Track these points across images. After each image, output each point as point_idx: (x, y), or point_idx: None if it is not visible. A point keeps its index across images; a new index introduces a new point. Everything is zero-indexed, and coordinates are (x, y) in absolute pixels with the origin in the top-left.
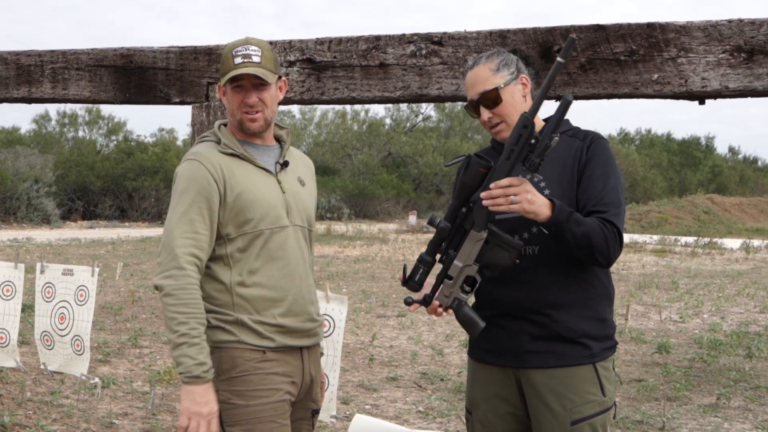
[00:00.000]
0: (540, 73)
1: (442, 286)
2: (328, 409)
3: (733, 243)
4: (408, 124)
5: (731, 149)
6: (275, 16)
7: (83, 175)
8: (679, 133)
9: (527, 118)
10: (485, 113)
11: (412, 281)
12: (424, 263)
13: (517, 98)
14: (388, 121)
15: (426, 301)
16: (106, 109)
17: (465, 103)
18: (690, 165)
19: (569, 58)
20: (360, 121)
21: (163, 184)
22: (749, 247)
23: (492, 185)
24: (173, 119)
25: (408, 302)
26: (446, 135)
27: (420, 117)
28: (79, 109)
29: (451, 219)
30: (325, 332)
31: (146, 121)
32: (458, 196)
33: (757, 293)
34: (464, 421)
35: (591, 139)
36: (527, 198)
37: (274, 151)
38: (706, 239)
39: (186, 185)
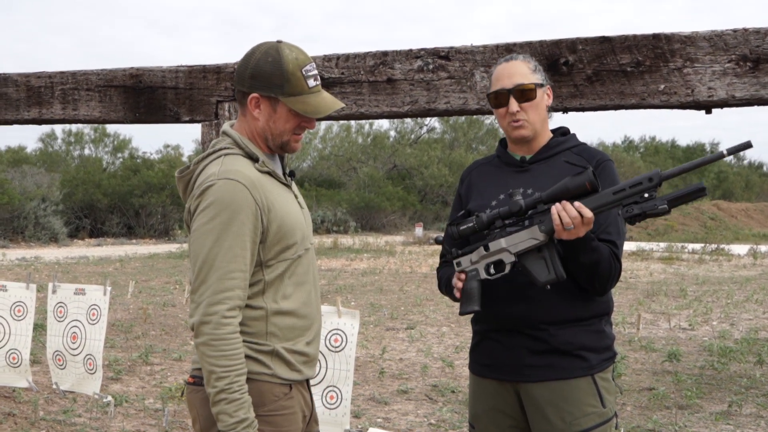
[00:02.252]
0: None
1: (475, 250)
2: (342, 423)
3: (740, 249)
4: (412, 136)
5: (736, 155)
6: (275, 31)
7: (90, 193)
8: (684, 140)
9: (659, 175)
10: (515, 105)
11: (457, 228)
12: (480, 224)
13: (542, 104)
14: (392, 133)
15: (454, 255)
16: (112, 127)
17: (491, 92)
18: (695, 172)
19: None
20: (364, 134)
21: (170, 200)
22: (757, 252)
23: (576, 203)
24: (178, 135)
25: (438, 240)
26: (451, 146)
27: (424, 129)
28: (84, 127)
29: (531, 205)
30: (337, 347)
31: (152, 137)
32: (551, 193)
33: (765, 299)
34: None
35: (597, 161)
36: (572, 237)
37: (278, 160)
38: (713, 246)
39: (231, 214)
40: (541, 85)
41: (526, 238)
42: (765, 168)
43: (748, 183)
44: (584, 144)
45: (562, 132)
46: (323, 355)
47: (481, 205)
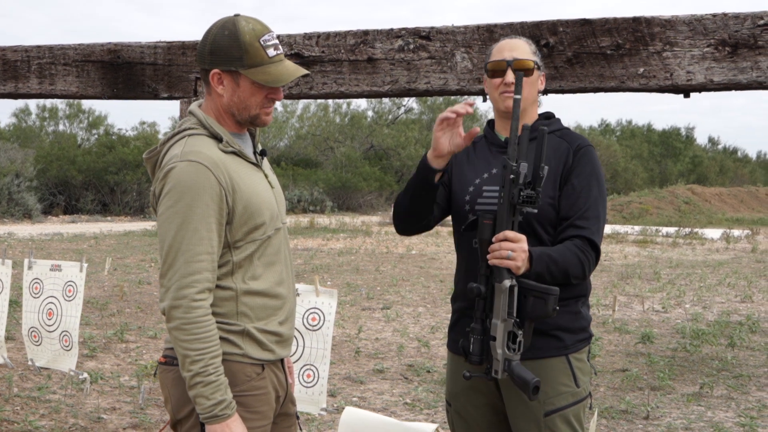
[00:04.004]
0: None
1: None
2: (318, 402)
3: (713, 233)
4: (390, 117)
5: (711, 140)
6: (255, 9)
7: (64, 170)
8: (660, 124)
9: (506, 159)
10: (510, 76)
11: (472, 355)
12: (475, 332)
13: (535, 86)
14: (370, 113)
15: (485, 373)
16: (87, 103)
17: (489, 61)
18: (670, 156)
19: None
20: (342, 114)
21: (145, 178)
22: (730, 236)
23: (494, 238)
24: (154, 112)
25: (467, 377)
26: (428, 127)
27: (402, 109)
28: (59, 102)
29: (484, 280)
30: (315, 326)
31: (127, 114)
32: (481, 255)
33: (738, 283)
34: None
35: (578, 145)
36: (523, 258)
37: (248, 139)
38: (687, 229)
39: (193, 196)
40: (539, 67)
41: (501, 298)
42: (739, 153)
43: (722, 168)
44: (567, 128)
45: (546, 116)
46: (300, 333)
47: (466, 181)
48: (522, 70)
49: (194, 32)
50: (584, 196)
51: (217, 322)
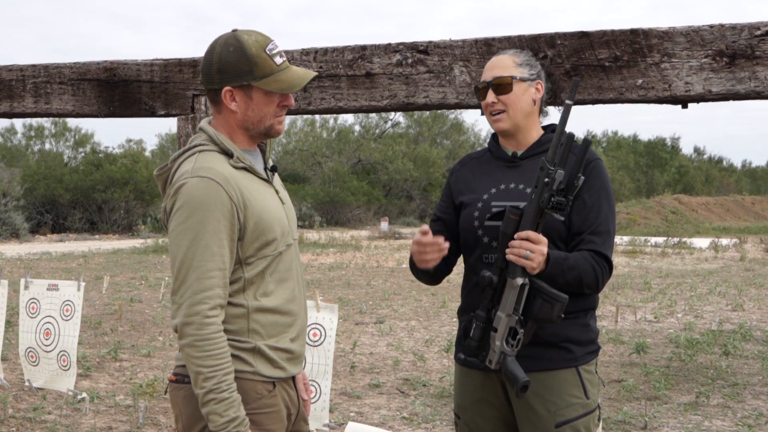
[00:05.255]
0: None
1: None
2: (321, 418)
3: (701, 242)
4: (377, 131)
5: (696, 149)
6: (240, 26)
7: (51, 188)
8: (645, 135)
9: (545, 162)
10: (491, 96)
11: (471, 340)
12: (479, 319)
13: (526, 98)
14: (357, 128)
15: (478, 359)
16: (73, 122)
17: (477, 84)
18: (656, 166)
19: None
20: (329, 129)
21: (133, 195)
22: (718, 245)
23: (516, 235)
24: (141, 130)
25: (460, 360)
26: (415, 141)
27: (389, 123)
28: (45, 121)
29: (498, 271)
30: (316, 341)
31: (114, 132)
32: (500, 247)
33: (728, 291)
34: (453, 425)
35: (587, 159)
36: (539, 261)
37: (258, 155)
38: (676, 239)
39: (205, 212)
40: (525, 79)
41: (510, 292)
42: (725, 163)
43: (708, 177)
44: (575, 142)
45: (553, 129)
46: None
47: (474, 198)
48: (499, 86)
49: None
50: (595, 212)
51: (228, 340)
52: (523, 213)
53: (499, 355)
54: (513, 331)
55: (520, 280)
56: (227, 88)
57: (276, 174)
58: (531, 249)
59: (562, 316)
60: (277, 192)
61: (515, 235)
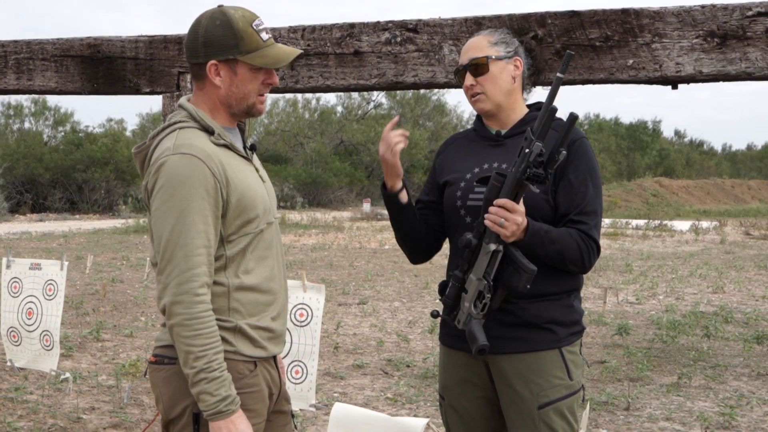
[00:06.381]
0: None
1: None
2: (307, 398)
3: (682, 225)
4: (359, 112)
5: (677, 133)
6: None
7: (31, 168)
8: (627, 117)
9: (529, 132)
10: (469, 79)
11: (447, 298)
12: (455, 279)
13: (504, 76)
14: (339, 108)
15: (449, 316)
16: (52, 100)
17: (456, 68)
18: (638, 149)
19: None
20: (311, 110)
21: (114, 175)
22: (698, 228)
23: (495, 202)
24: (121, 109)
25: (434, 314)
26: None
27: (371, 104)
28: (24, 99)
29: (478, 235)
30: (303, 322)
31: (94, 111)
32: (482, 212)
33: (709, 274)
34: (437, 405)
35: (572, 138)
36: (513, 230)
37: (237, 134)
38: (656, 222)
39: (189, 189)
40: (501, 58)
41: (483, 256)
42: (705, 146)
43: (688, 160)
44: (560, 119)
45: (538, 107)
46: (288, 330)
47: (457, 177)
48: (475, 67)
49: (158, 28)
50: (581, 192)
51: None
52: (505, 180)
53: (466, 316)
54: (481, 295)
55: (492, 246)
56: (212, 61)
57: (255, 153)
58: (505, 217)
59: (529, 287)
60: (257, 170)
61: (494, 201)
